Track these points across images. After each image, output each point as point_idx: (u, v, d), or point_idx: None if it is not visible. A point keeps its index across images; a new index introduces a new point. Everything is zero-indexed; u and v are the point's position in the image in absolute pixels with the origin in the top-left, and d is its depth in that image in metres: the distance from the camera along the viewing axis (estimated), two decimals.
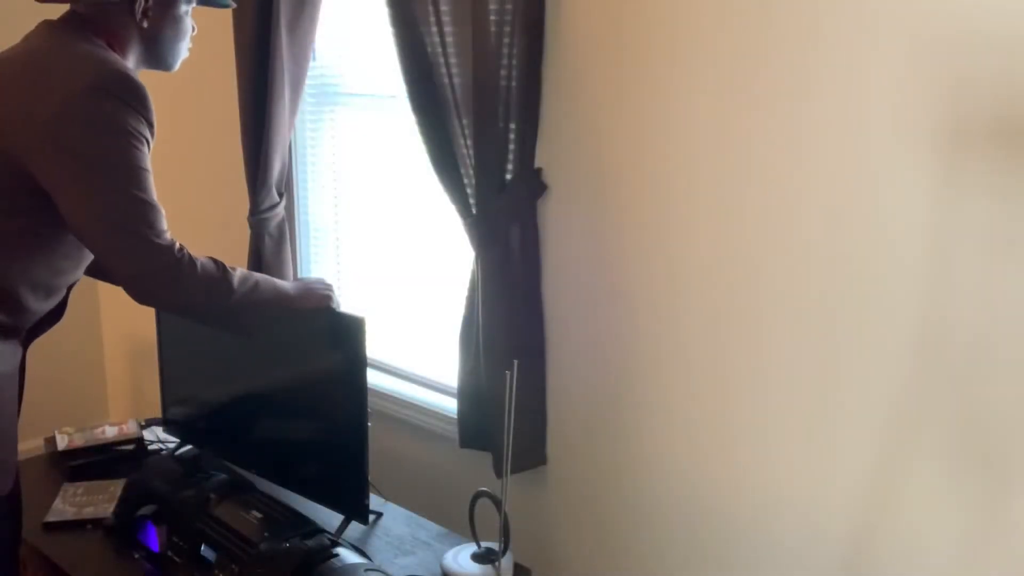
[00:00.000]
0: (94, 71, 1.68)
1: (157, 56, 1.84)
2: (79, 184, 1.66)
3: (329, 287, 2.03)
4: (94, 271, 1.94)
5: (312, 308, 1.98)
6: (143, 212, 1.67)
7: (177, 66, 1.88)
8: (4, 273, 1.74)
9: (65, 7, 1.80)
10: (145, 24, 1.79)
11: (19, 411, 1.87)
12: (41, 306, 1.83)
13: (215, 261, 1.77)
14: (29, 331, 1.85)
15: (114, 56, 1.75)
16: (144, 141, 1.70)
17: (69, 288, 1.89)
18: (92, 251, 1.74)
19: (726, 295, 1.89)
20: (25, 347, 1.85)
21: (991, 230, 1.56)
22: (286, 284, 1.96)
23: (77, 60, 1.71)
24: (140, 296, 1.72)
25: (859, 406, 1.74)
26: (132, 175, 1.66)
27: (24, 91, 1.70)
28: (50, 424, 2.61)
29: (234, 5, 2.05)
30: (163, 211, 1.70)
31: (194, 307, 1.78)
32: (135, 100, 1.68)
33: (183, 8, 1.83)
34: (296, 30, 2.45)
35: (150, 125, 1.72)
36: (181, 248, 1.71)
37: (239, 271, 1.80)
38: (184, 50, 1.88)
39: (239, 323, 1.87)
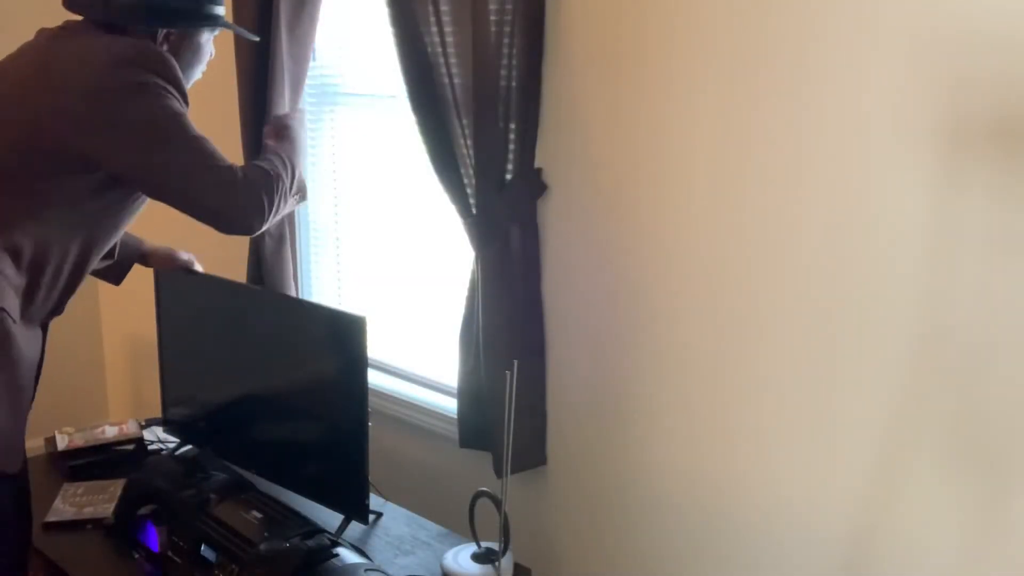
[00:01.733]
0: (120, 47, 1.73)
1: None
2: (139, 150, 1.72)
3: (286, 117, 2.12)
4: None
5: (295, 132, 2.03)
6: (202, 150, 1.74)
7: (188, 87, 1.91)
8: (43, 252, 1.77)
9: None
10: (165, 47, 1.83)
11: (33, 399, 1.89)
12: (75, 284, 1.87)
13: (254, 163, 1.87)
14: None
15: (135, 40, 1.78)
16: (178, 100, 1.75)
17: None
18: (180, 207, 1.78)
19: (726, 294, 1.89)
20: (45, 331, 1.87)
21: (991, 230, 1.55)
22: (281, 145, 2.01)
23: (100, 42, 1.75)
24: (238, 224, 1.80)
25: (859, 407, 1.74)
26: (178, 121, 1.73)
27: (51, 74, 1.73)
28: (50, 424, 2.61)
29: (257, 39, 2.11)
30: (210, 139, 1.78)
31: (273, 198, 1.82)
32: (161, 68, 1.73)
33: (205, 36, 1.88)
34: (296, 30, 2.45)
35: (180, 92, 1.76)
36: (235, 166, 1.79)
37: (266, 160, 1.89)
38: (198, 73, 1.93)
39: (295, 182, 1.92)
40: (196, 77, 1.92)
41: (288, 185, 1.87)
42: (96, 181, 1.74)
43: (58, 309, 1.89)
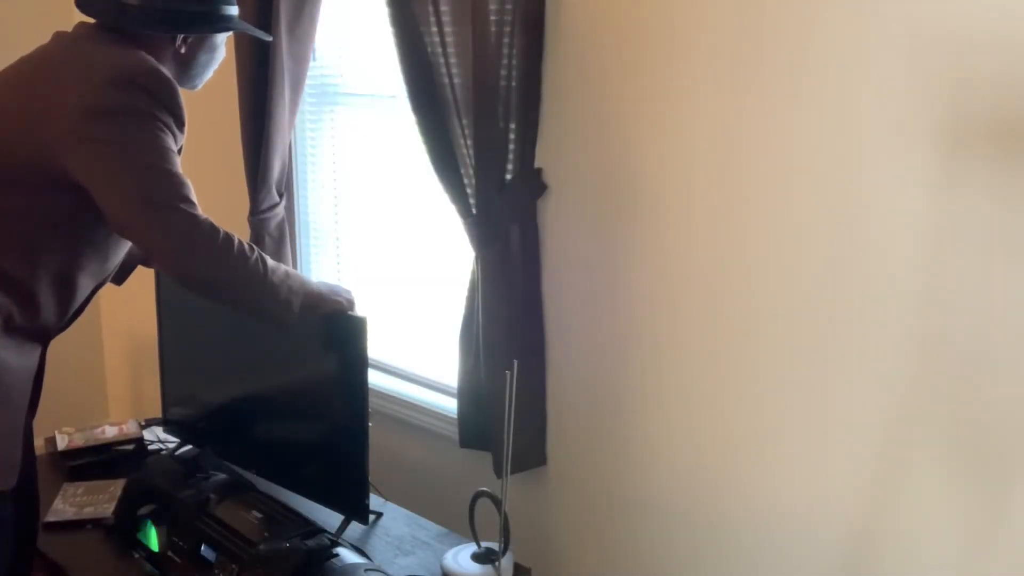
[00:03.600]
0: (119, 64, 1.69)
1: (186, 76, 1.86)
2: (110, 169, 1.65)
3: (351, 293, 2.00)
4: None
5: (332, 311, 1.94)
6: (176, 185, 1.66)
7: (200, 87, 1.91)
8: (31, 273, 1.73)
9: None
10: (183, 50, 1.81)
11: (35, 411, 1.87)
12: (66, 308, 1.82)
13: (247, 242, 1.76)
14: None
15: (143, 54, 1.74)
16: (169, 130, 1.70)
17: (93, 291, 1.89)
18: (130, 235, 1.71)
19: (726, 295, 1.89)
20: (44, 346, 1.85)
21: (990, 231, 1.55)
22: (315, 281, 1.94)
23: (102, 55, 1.72)
24: (179, 269, 1.69)
25: (858, 408, 1.74)
26: (160, 153, 1.66)
27: (48, 83, 1.70)
28: (50, 424, 2.60)
29: (270, 38, 2.08)
30: (192, 187, 1.70)
31: (231, 281, 1.73)
32: (162, 92, 1.69)
33: (220, 38, 1.87)
34: (296, 30, 2.45)
35: (177, 119, 1.72)
36: (215, 224, 1.70)
37: (269, 258, 1.79)
38: (211, 73, 1.91)
39: (274, 306, 1.79)
40: (208, 77, 1.91)
41: (253, 280, 1.74)
42: (78, 204, 1.69)
43: (49, 331, 1.84)
